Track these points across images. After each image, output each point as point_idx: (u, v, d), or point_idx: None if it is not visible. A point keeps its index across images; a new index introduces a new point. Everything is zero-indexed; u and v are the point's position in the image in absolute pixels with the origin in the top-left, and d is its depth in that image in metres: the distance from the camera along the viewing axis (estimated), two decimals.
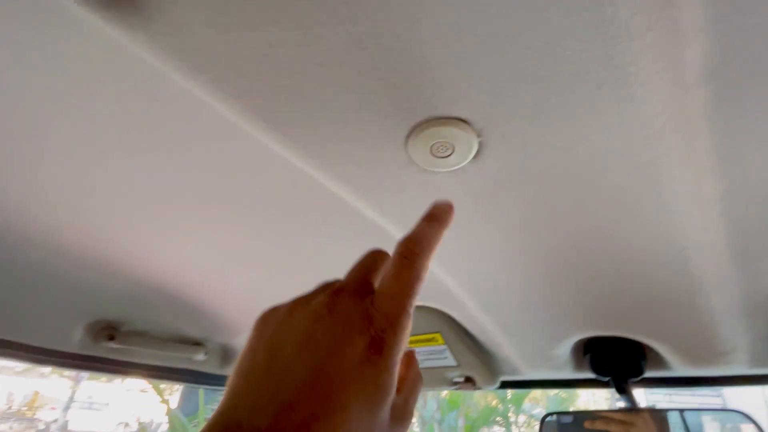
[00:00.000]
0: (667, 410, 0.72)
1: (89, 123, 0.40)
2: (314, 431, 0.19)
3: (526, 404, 6.67)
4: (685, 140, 0.33)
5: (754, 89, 0.30)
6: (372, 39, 0.25)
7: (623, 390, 0.67)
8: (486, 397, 6.34)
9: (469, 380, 0.85)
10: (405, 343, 0.23)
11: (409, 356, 0.29)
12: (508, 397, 6.12)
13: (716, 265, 0.48)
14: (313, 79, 0.28)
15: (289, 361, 0.21)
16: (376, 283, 0.27)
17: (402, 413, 0.25)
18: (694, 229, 0.43)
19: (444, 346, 0.80)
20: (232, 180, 0.47)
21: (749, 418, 0.72)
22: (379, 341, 0.22)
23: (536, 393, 6.95)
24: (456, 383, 0.88)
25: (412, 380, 0.28)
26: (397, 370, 0.22)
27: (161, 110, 0.38)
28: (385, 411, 0.22)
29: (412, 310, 0.24)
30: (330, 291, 0.25)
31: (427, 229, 0.27)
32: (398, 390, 0.25)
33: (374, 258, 0.29)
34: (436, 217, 0.29)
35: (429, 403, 5.80)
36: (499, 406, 6.23)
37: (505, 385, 0.88)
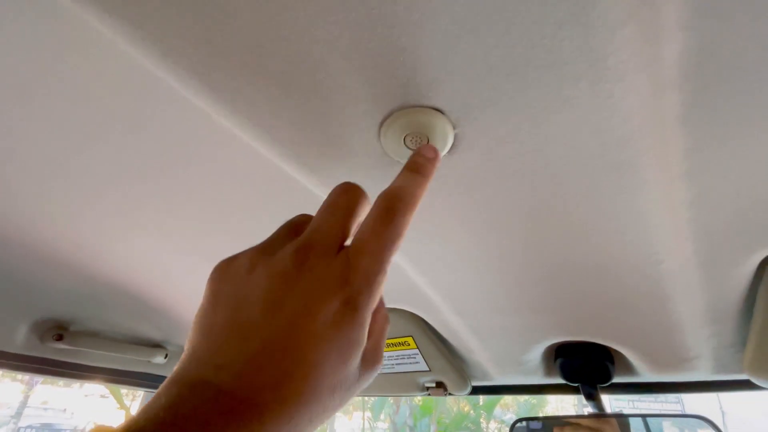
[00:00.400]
0: (631, 416, 0.72)
1: (25, 100, 0.36)
2: (286, 389, 0.19)
3: (497, 410, 6.76)
4: (659, 143, 0.33)
5: (728, 94, 0.30)
6: (342, 13, 0.23)
7: (592, 396, 0.67)
8: (458, 403, 6.37)
9: (440, 385, 0.83)
10: (378, 299, 0.23)
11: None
12: (480, 404, 6.18)
13: (684, 272, 0.48)
14: (277, 54, 0.25)
15: (255, 321, 0.20)
16: (352, 230, 0.25)
17: (373, 358, 0.24)
18: (664, 236, 0.43)
19: (416, 351, 0.78)
20: (190, 169, 0.44)
21: (710, 423, 0.73)
22: (354, 301, 0.21)
23: (507, 399, 7.04)
24: (427, 388, 0.86)
25: (380, 322, 0.27)
26: (368, 323, 0.22)
27: (114, 88, 0.35)
28: (357, 362, 0.22)
29: (389, 267, 0.23)
30: (297, 246, 0.23)
31: (410, 182, 0.26)
32: (368, 334, 0.24)
33: (349, 201, 0.26)
34: (420, 168, 0.27)
35: (402, 409, 5.78)
36: (471, 412, 6.28)
37: (477, 390, 0.88)
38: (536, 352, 0.68)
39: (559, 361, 0.69)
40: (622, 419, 0.70)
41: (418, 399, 5.80)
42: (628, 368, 0.67)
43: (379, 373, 0.86)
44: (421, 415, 5.84)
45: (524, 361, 0.71)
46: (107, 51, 0.32)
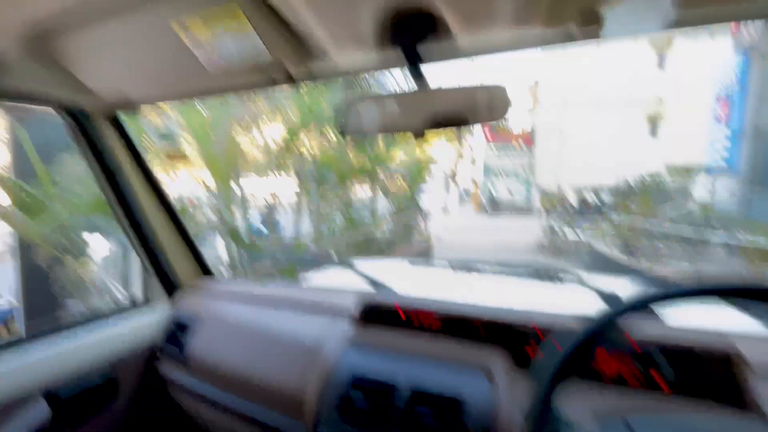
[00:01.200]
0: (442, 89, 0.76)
1: None
2: None
3: (393, 166, 7.92)
4: None
5: None
6: None
7: (413, 62, 0.71)
8: (357, 159, 7.18)
9: (285, 74, 0.83)
10: None
11: None
12: (377, 159, 7.10)
13: None
14: None
15: None
16: None
17: None
18: None
19: (250, 31, 0.71)
20: None
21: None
22: None
23: (401, 157, 8.15)
24: (274, 80, 0.87)
25: None
26: None
27: None
28: None
29: None
30: None
31: None
32: None
33: None
34: None
35: (306, 164, 6.36)
36: (368, 164, 7.22)
37: (317, 77, 0.88)
38: (368, 22, 0.67)
39: (390, 35, 0.70)
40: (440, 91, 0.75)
41: (322, 157, 6.36)
42: (449, 34, 0.70)
43: (215, 70, 0.79)
44: (326, 170, 6.55)
45: (359, 34, 0.71)
46: None
